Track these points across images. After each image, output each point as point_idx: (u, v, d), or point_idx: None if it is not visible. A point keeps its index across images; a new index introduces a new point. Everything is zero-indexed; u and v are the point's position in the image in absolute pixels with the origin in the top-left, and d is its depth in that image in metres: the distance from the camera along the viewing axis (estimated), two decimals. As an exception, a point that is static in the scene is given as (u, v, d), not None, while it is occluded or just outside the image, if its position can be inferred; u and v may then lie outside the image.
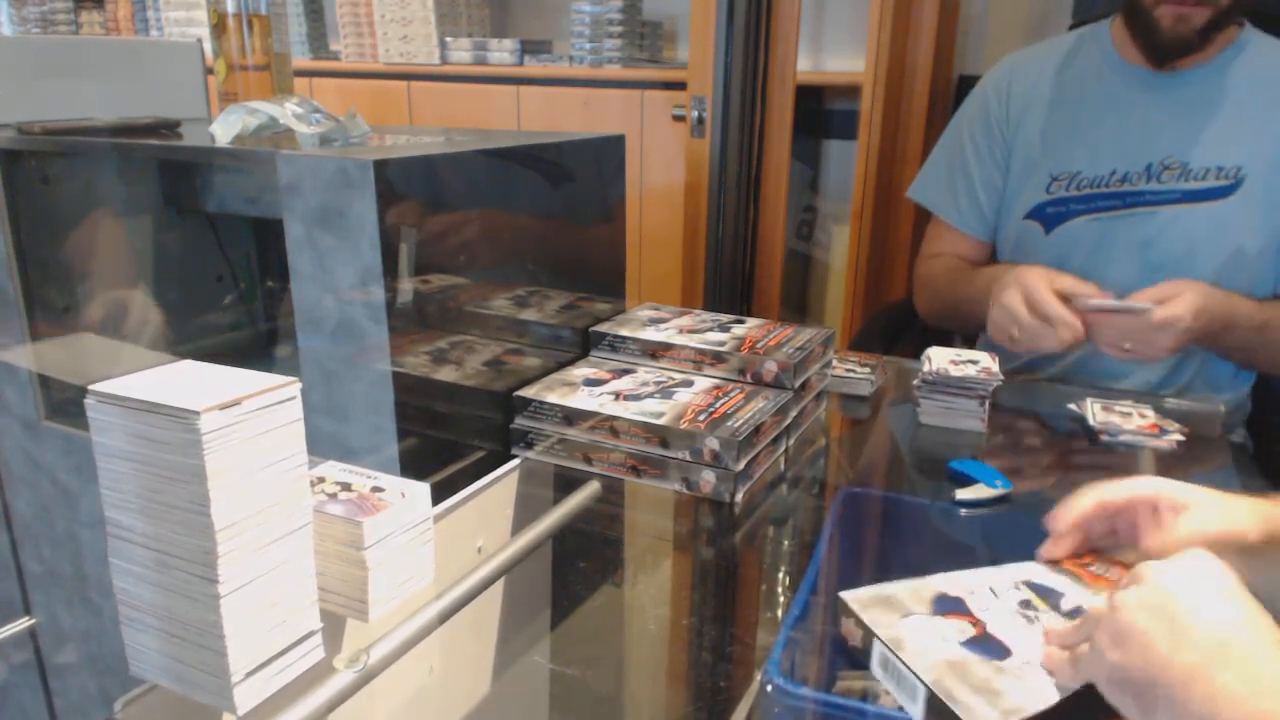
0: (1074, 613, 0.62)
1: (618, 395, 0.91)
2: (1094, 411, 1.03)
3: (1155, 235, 1.19)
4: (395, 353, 0.79)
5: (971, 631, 0.60)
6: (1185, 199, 1.18)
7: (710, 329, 1.05)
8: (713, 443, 0.82)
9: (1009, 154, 1.32)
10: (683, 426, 0.84)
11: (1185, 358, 1.22)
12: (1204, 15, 1.11)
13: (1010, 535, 0.80)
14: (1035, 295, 1.05)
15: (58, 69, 1.20)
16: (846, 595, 0.63)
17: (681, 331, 1.04)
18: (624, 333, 1.03)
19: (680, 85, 2.03)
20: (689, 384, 0.95)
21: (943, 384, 1.02)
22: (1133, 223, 1.20)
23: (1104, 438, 0.99)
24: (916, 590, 0.64)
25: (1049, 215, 1.26)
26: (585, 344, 1.06)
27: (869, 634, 0.59)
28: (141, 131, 1.05)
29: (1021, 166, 1.30)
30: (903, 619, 0.61)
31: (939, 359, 1.03)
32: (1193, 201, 1.17)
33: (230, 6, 1.14)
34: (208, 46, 1.25)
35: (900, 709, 0.56)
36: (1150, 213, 1.19)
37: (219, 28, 1.16)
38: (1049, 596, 0.64)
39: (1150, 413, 1.03)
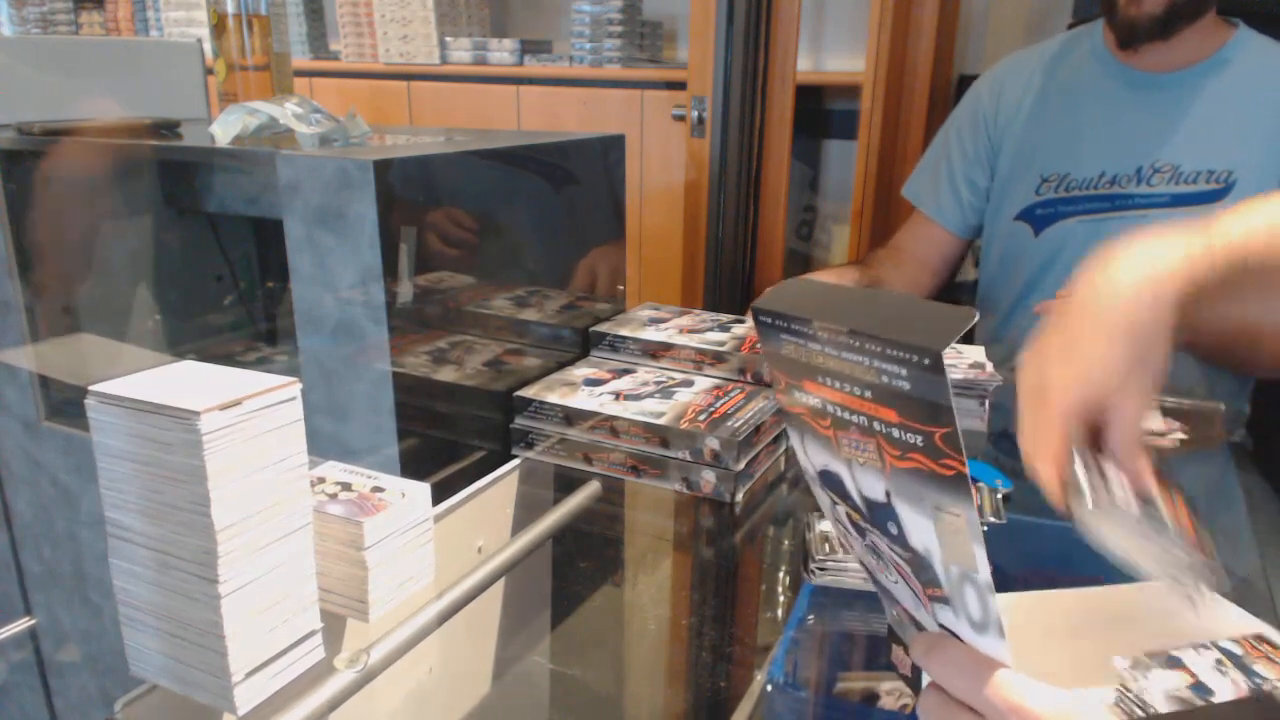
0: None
1: (618, 395, 0.91)
2: None
3: None
4: (395, 353, 0.79)
5: None
6: (1175, 203, 1.17)
7: (710, 329, 1.05)
8: (713, 443, 0.82)
9: (996, 153, 1.32)
10: (683, 426, 0.84)
11: (1185, 368, 1.21)
12: (1159, 2, 1.11)
13: (1011, 534, 0.80)
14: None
15: (58, 69, 1.20)
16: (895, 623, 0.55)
17: (681, 331, 1.03)
18: (624, 333, 1.03)
19: (680, 85, 2.03)
20: (689, 384, 0.95)
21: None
22: (1123, 226, 1.20)
23: None
24: None
25: (1038, 217, 1.27)
26: (585, 344, 1.06)
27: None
28: (141, 131, 1.05)
29: (1012, 167, 1.30)
30: None
31: None
32: (1183, 205, 1.17)
33: (230, 6, 1.14)
34: (208, 46, 1.25)
35: (903, 710, 0.56)
36: (1140, 216, 1.19)
37: (219, 28, 1.16)
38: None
39: (1158, 414, 1.02)
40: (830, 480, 0.44)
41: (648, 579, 0.87)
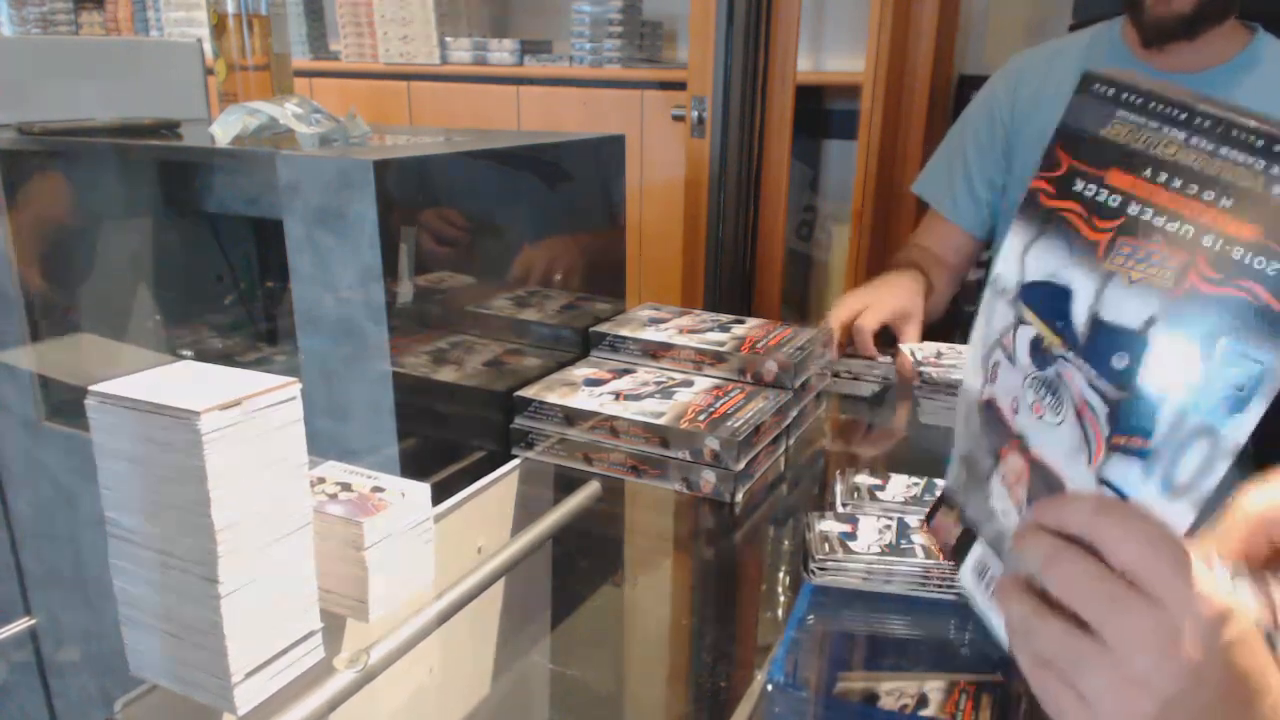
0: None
1: (618, 395, 0.91)
2: None
3: None
4: (395, 353, 0.79)
5: None
6: None
7: (710, 329, 1.05)
8: (713, 443, 0.82)
9: (1011, 152, 1.32)
10: (683, 426, 0.84)
11: None
12: (1189, 1, 1.10)
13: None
14: (855, 330, 1.13)
15: (58, 69, 1.20)
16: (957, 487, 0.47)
17: (681, 332, 1.03)
18: (624, 333, 1.03)
19: (680, 85, 2.03)
20: (689, 384, 0.95)
21: (944, 383, 1.02)
22: None
23: None
24: None
25: None
26: (585, 344, 1.06)
27: (969, 534, 0.44)
28: (141, 132, 1.05)
29: (1026, 166, 1.29)
30: None
31: (918, 354, 1.07)
32: None
33: (230, 6, 1.14)
34: (208, 46, 1.25)
35: (903, 710, 0.56)
36: None
37: (219, 28, 1.16)
38: None
39: None
40: (1038, 295, 0.37)
41: (648, 579, 0.87)
